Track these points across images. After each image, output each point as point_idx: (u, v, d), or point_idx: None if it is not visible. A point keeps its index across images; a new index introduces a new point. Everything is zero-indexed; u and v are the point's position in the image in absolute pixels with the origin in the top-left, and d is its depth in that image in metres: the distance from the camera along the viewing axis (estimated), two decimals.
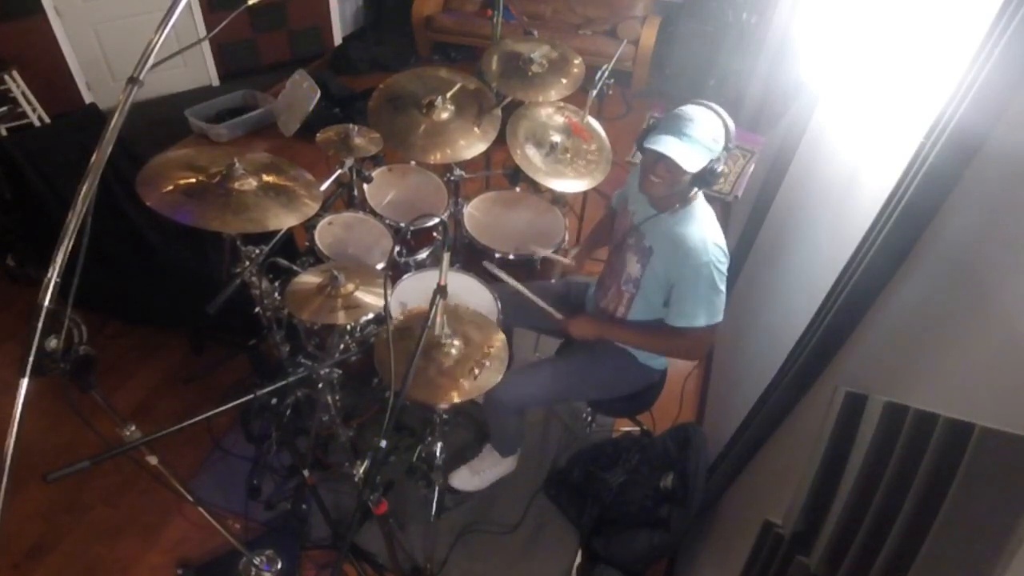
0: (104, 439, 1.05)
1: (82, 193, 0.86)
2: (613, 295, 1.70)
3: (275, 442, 2.09)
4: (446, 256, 1.22)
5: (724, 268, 1.47)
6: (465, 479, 2.01)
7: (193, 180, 1.40)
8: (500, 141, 2.00)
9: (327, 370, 1.67)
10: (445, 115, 1.92)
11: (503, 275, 1.76)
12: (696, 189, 1.48)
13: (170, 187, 1.36)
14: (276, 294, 1.81)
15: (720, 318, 1.50)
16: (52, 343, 0.87)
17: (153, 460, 1.19)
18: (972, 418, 0.68)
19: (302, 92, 3.73)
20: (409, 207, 2.25)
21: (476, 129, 1.93)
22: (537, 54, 2.14)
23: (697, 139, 1.36)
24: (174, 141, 3.74)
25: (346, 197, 2.17)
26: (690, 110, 1.38)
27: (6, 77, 3.26)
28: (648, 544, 1.75)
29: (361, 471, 1.84)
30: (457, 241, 2.21)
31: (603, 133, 2.18)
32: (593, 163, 2.09)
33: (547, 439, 2.27)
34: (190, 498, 1.35)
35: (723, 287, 1.47)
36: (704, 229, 1.46)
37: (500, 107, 2.01)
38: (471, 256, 2.19)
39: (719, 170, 1.39)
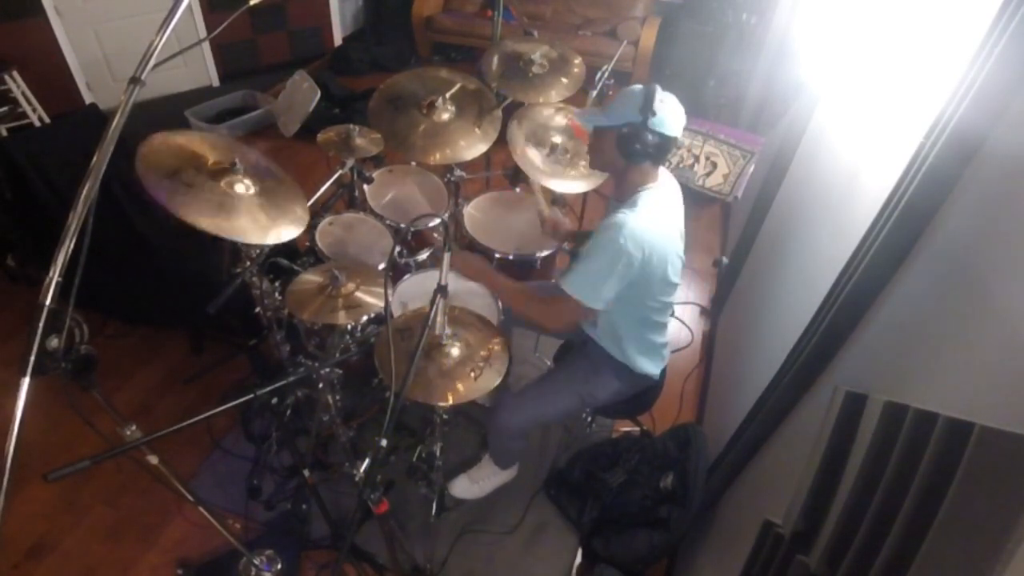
0: (104, 438, 1.05)
1: (83, 194, 0.86)
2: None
3: (275, 442, 2.09)
4: (446, 256, 1.23)
5: (628, 259, 1.40)
6: (464, 488, 2.01)
7: (190, 167, 1.37)
8: (500, 142, 2.00)
9: (327, 370, 1.67)
10: (445, 116, 1.92)
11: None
12: (654, 180, 1.51)
13: (163, 167, 1.34)
14: (276, 294, 1.81)
15: (595, 305, 1.46)
16: (53, 342, 0.87)
17: (153, 460, 1.19)
18: (972, 418, 0.68)
19: (302, 92, 3.73)
20: (409, 207, 2.25)
21: (476, 130, 1.93)
22: (537, 54, 2.14)
23: (607, 105, 1.48)
24: None
25: (347, 197, 2.17)
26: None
27: (6, 77, 3.26)
28: (648, 544, 1.75)
29: (361, 471, 1.86)
30: (457, 241, 2.21)
31: None
32: None
33: (547, 439, 2.27)
34: (190, 498, 1.35)
35: (616, 274, 1.41)
36: (633, 216, 1.42)
37: (500, 108, 2.01)
38: None
39: (649, 140, 1.40)
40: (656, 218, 1.47)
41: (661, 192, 1.52)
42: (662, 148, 1.45)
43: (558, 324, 1.60)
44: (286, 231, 1.45)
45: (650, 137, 1.41)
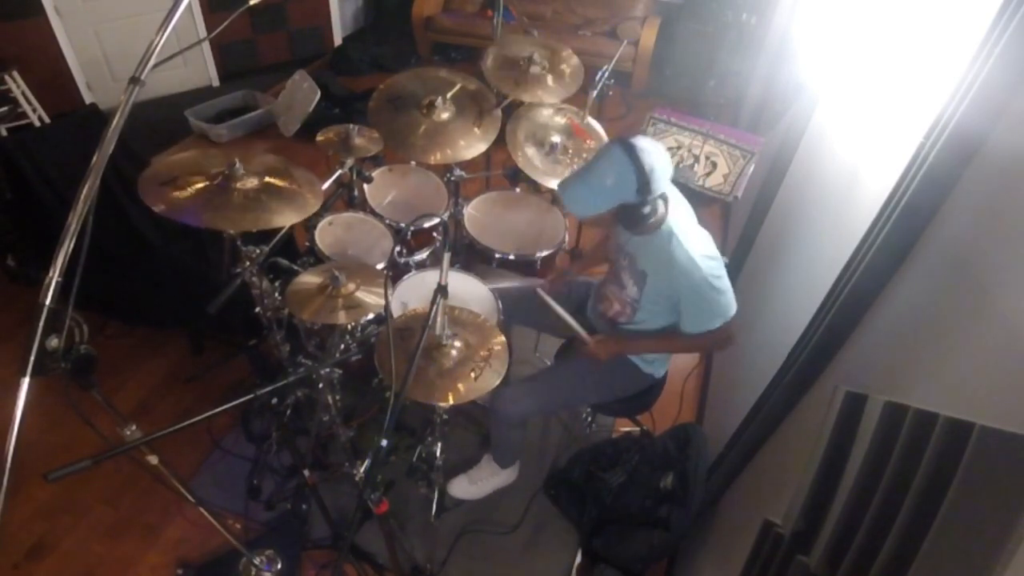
0: (104, 439, 1.05)
1: (83, 194, 0.86)
2: (617, 310, 1.70)
3: (275, 442, 2.09)
4: (446, 256, 1.23)
5: (719, 271, 1.47)
6: (463, 488, 2.01)
7: (196, 181, 1.41)
8: (500, 141, 2.00)
9: (327, 370, 1.67)
10: (445, 115, 1.92)
11: (550, 301, 1.71)
12: (663, 208, 1.46)
13: (173, 190, 1.36)
14: (276, 294, 1.81)
15: (733, 310, 1.51)
16: (53, 342, 0.87)
17: (153, 460, 1.19)
18: (972, 418, 0.68)
19: (302, 92, 3.74)
20: (409, 207, 2.25)
21: (476, 130, 1.93)
22: (536, 55, 2.13)
23: (593, 183, 1.38)
24: (174, 141, 3.74)
25: (346, 197, 2.17)
26: (604, 149, 1.37)
27: (6, 77, 3.26)
28: (648, 544, 1.75)
29: (361, 471, 1.86)
30: (457, 241, 2.21)
31: (603, 133, 2.19)
32: None
33: (547, 439, 2.27)
34: (190, 498, 1.35)
35: (724, 284, 1.48)
36: (689, 244, 1.45)
37: (500, 108, 2.01)
38: (471, 256, 2.19)
39: (646, 212, 1.36)
40: (694, 228, 1.51)
41: (679, 210, 1.52)
42: (660, 204, 1.41)
43: (727, 343, 1.60)
44: (310, 203, 1.51)
45: (648, 208, 1.37)
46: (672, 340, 1.65)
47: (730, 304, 1.50)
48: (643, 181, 1.32)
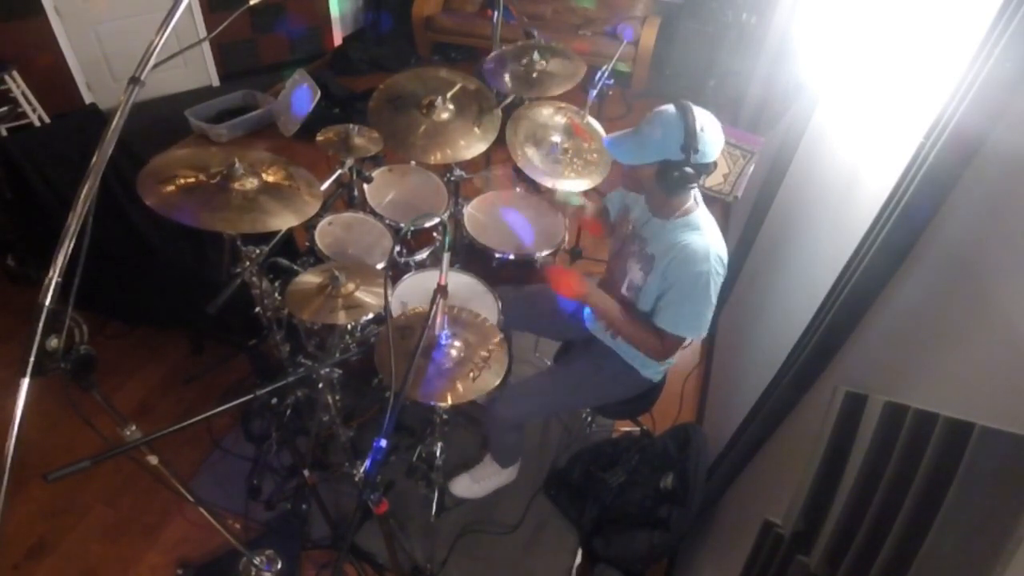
0: (104, 439, 1.05)
1: (83, 194, 0.86)
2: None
3: (275, 442, 2.09)
4: (446, 256, 1.23)
5: (720, 281, 1.45)
6: (465, 486, 2.01)
7: (193, 179, 1.40)
8: (500, 141, 2.00)
9: (327, 370, 1.67)
10: (445, 115, 1.92)
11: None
12: (694, 198, 1.48)
13: (171, 187, 1.36)
14: (276, 294, 1.81)
15: (703, 333, 1.48)
16: (53, 343, 0.87)
17: (153, 460, 1.19)
18: (972, 418, 0.68)
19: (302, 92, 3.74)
20: (409, 207, 2.25)
21: (476, 129, 1.93)
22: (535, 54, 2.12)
23: (643, 134, 1.38)
24: (174, 141, 3.74)
25: (346, 197, 2.17)
26: (659, 108, 1.37)
27: (6, 77, 3.26)
28: (648, 544, 1.75)
29: (361, 471, 1.86)
30: (457, 241, 2.21)
31: (603, 133, 2.18)
32: (592, 164, 2.09)
33: (547, 439, 2.27)
34: (190, 498, 1.35)
35: (714, 299, 1.45)
36: (707, 238, 1.44)
37: (500, 107, 2.01)
38: (471, 256, 2.19)
39: (687, 173, 1.34)
40: (716, 228, 1.49)
41: (704, 209, 1.51)
42: (703, 174, 1.39)
43: (666, 356, 1.59)
44: (308, 206, 1.49)
45: (691, 171, 1.34)
46: (630, 321, 1.56)
47: (706, 323, 1.47)
48: (689, 139, 1.31)
